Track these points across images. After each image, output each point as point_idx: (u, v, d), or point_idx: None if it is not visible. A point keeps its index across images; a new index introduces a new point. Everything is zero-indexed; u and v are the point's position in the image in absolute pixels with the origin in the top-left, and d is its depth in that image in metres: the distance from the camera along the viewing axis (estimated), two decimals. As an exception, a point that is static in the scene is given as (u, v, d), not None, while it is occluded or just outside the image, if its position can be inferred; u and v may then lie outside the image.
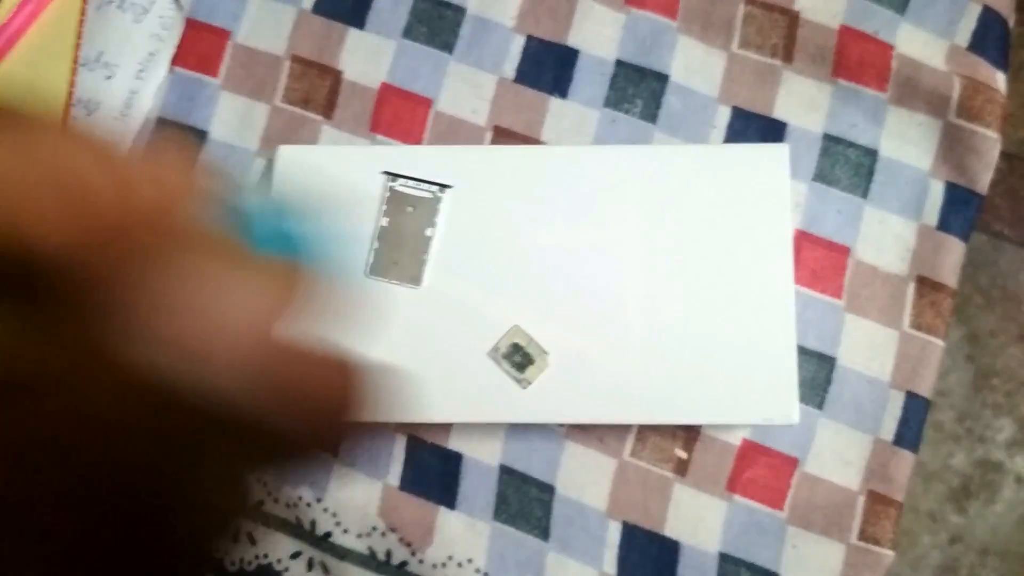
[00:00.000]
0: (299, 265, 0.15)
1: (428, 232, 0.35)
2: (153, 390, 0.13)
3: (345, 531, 0.39)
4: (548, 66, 0.42)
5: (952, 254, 0.40)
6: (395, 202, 0.35)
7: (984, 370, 0.49)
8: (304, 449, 0.15)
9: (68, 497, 0.13)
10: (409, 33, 0.42)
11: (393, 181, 0.35)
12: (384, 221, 0.35)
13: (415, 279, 0.35)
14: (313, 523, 0.39)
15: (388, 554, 0.39)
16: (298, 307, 0.14)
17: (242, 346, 0.13)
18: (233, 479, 0.14)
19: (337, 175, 0.35)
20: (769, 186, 0.35)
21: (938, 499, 0.47)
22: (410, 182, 0.35)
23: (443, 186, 0.35)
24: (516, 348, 0.34)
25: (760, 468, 0.39)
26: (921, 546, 0.45)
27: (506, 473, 0.39)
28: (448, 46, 0.42)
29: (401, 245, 0.35)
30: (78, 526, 0.13)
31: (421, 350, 0.35)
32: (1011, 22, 0.43)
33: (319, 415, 0.15)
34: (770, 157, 0.35)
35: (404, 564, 0.39)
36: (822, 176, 0.41)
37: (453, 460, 0.39)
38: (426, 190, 0.35)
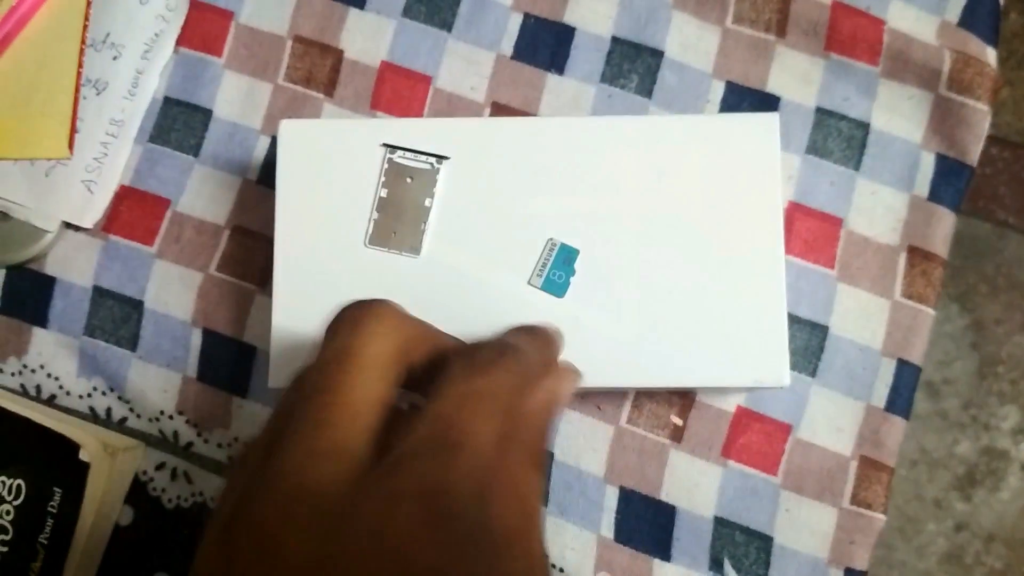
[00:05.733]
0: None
1: (427, 202, 0.36)
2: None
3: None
4: (545, 43, 0.42)
5: (943, 224, 0.41)
6: (394, 173, 0.36)
7: (989, 358, 0.49)
8: None
9: None
10: (409, 12, 0.43)
11: (392, 153, 0.36)
12: (383, 192, 0.36)
13: (414, 248, 0.35)
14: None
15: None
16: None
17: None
18: None
19: (338, 148, 0.36)
20: (760, 154, 0.35)
21: (943, 487, 0.47)
22: (408, 154, 0.36)
23: (441, 157, 0.36)
24: (513, 314, 0.35)
25: (754, 434, 0.40)
26: (926, 533, 0.45)
27: (505, 441, 0.40)
28: (447, 24, 0.43)
29: (400, 215, 0.35)
30: None
31: (420, 318, 0.35)
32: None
33: None
34: (761, 126, 0.36)
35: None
36: (815, 149, 0.41)
37: (453, 428, 0.40)
38: (424, 161, 0.36)
